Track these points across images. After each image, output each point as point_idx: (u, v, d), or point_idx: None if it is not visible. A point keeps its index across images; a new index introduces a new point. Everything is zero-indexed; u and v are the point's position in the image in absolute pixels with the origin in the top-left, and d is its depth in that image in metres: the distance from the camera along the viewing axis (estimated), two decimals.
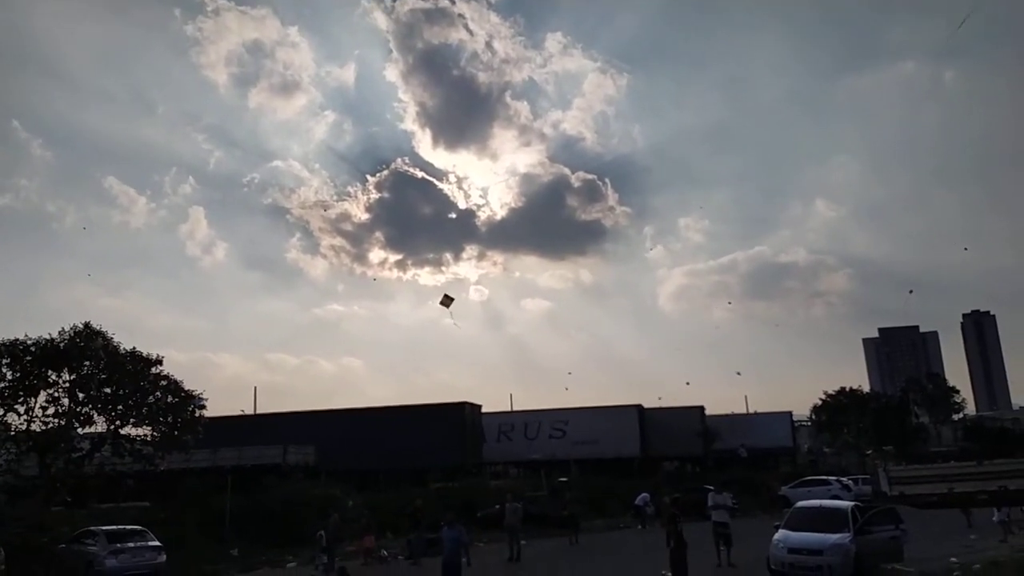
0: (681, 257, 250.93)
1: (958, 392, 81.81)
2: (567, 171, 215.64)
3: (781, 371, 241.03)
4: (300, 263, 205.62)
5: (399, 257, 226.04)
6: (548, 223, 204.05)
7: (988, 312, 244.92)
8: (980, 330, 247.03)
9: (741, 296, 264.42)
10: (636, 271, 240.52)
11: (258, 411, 50.19)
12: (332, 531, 20.40)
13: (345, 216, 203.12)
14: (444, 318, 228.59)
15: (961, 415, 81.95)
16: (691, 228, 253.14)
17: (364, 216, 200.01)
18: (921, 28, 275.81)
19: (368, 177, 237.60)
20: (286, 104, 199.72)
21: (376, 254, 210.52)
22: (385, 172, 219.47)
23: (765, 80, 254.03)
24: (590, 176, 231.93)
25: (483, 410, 46.27)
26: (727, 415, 56.03)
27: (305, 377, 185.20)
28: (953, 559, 17.26)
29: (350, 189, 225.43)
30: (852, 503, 18.91)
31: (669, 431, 49.40)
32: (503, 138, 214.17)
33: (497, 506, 25.24)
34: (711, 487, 26.02)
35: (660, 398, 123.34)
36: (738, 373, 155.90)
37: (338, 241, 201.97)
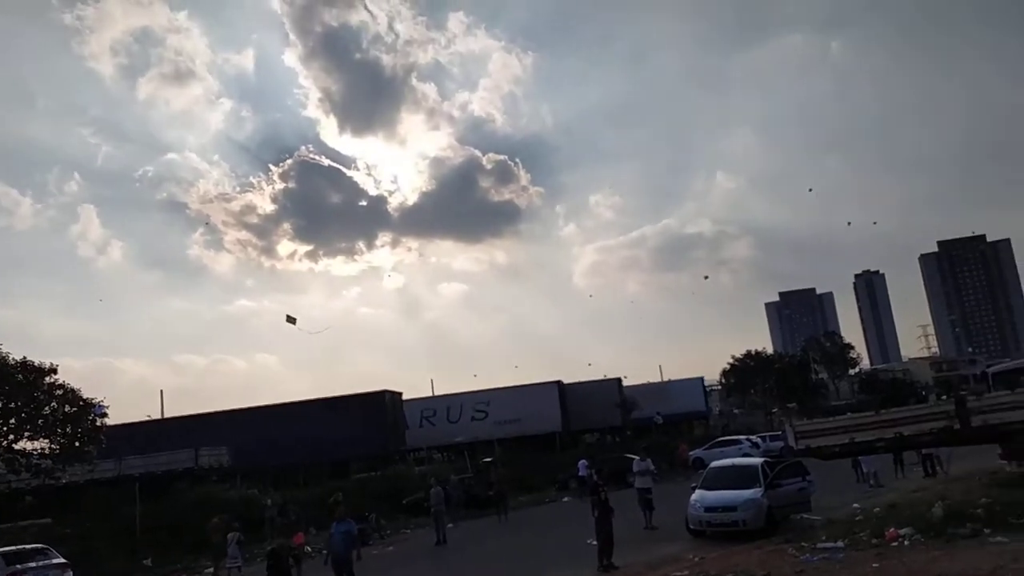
0: (593, 234, 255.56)
1: (853, 348, 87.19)
2: (478, 153, 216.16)
3: (692, 338, 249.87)
4: (204, 259, 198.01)
5: (310, 248, 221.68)
6: (461, 206, 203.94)
7: (878, 271, 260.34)
8: (871, 289, 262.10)
9: (651, 269, 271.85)
10: (550, 250, 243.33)
11: (166, 415, 48.05)
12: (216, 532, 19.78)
13: (250, 208, 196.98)
14: (360, 308, 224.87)
15: (857, 369, 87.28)
16: (601, 205, 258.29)
17: (270, 207, 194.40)
18: (806, 1, 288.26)
19: (272, 167, 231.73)
20: (179, 93, 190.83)
21: (285, 246, 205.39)
22: (289, 161, 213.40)
23: (665, 56, 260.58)
24: (501, 157, 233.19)
25: (404, 397, 45.87)
26: (643, 384, 57.52)
27: (217, 377, 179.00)
28: (856, 505, 18.37)
29: (253, 180, 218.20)
30: (761, 459, 19.81)
31: (589, 404, 50.29)
32: (411, 122, 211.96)
33: (421, 493, 25.15)
34: (635, 456, 26.62)
35: (590, 364, 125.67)
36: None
37: (244, 235, 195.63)
